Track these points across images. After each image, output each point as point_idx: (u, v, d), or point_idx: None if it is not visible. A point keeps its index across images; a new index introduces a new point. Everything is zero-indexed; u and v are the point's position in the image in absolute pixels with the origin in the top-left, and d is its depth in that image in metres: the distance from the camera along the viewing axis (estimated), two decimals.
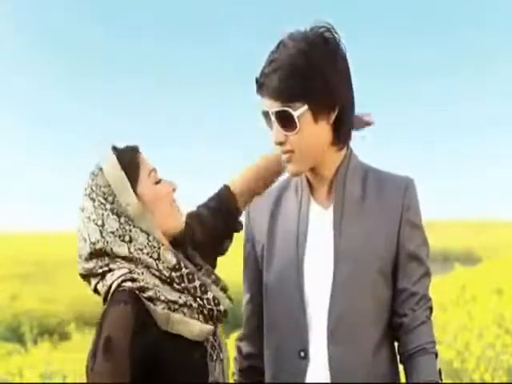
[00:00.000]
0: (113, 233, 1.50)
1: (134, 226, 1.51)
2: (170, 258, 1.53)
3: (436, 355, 1.70)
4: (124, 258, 1.51)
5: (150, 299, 1.48)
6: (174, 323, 1.49)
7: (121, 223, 1.50)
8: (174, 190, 1.63)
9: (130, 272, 1.50)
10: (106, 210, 1.51)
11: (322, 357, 1.66)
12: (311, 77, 1.58)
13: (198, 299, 1.52)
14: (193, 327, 1.50)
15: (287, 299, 1.70)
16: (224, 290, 1.62)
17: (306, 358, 1.67)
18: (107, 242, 1.50)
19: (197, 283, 1.54)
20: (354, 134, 1.77)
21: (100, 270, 1.52)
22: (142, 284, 1.48)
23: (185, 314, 1.50)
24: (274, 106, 1.61)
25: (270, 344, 1.75)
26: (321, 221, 1.71)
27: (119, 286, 1.48)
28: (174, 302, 1.49)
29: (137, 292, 1.47)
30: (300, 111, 1.59)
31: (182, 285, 1.52)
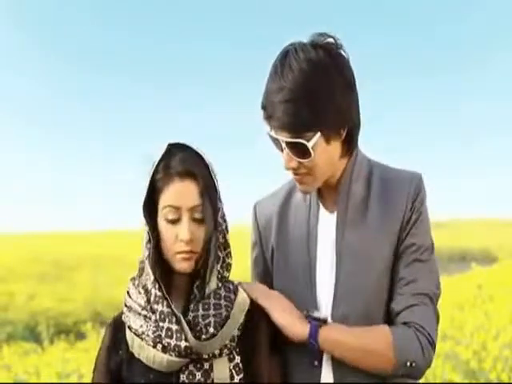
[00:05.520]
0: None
1: (145, 224, 1.53)
2: (150, 271, 1.53)
3: (416, 334, 1.58)
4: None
5: (125, 323, 1.57)
6: (135, 347, 1.53)
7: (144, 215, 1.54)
8: (181, 240, 1.51)
9: (128, 291, 1.60)
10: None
11: (330, 361, 1.65)
12: (321, 105, 1.51)
13: (158, 330, 1.50)
14: (149, 353, 1.51)
15: (301, 304, 1.67)
16: (196, 335, 1.50)
17: (320, 366, 1.65)
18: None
19: (165, 309, 1.50)
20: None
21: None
22: (124, 308, 1.59)
23: (142, 340, 1.52)
24: (284, 136, 1.54)
25: (283, 347, 1.71)
26: (329, 225, 1.70)
27: None
28: (136, 330, 1.53)
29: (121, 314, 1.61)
30: (313, 141, 1.53)
31: (154, 305, 1.52)
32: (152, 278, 1.51)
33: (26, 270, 17.63)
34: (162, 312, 1.50)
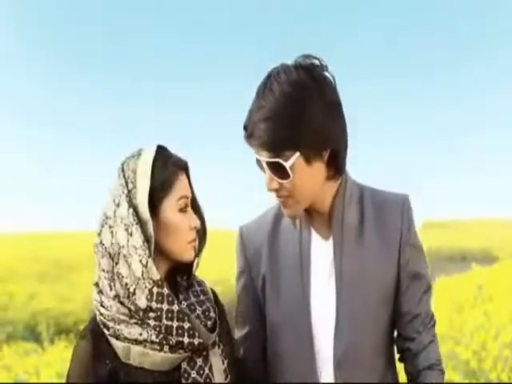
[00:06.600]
0: (122, 218, 1.48)
1: (136, 223, 1.47)
2: (155, 270, 1.48)
3: (443, 373, 1.71)
4: (118, 254, 1.48)
5: (111, 335, 1.50)
6: (134, 356, 1.49)
7: (128, 213, 1.48)
8: (194, 227, 1.57)
9: (101, 303, 1.52)
10: (123, 192, 1.50)
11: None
12: (300, 124, 1.51)
13: (163, 331, 1.47)
14: (155, 358, 1.48)
15: (296, 335, 1.68)
16: (206, 326, 1.54)
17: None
18: (116, 223, 1.49)
19: (175, 307, 1.49)
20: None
21: (99, 273, 1.53)
22: (104, 321, 1.51)
23: (145, 347, 1.48)
24: (264, 156, 1.55)
25: (278, 376, 1.73)
26: (323, 252, 1.69)
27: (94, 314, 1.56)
28: (135, 339, 1.48)
29: (101, 326, 1.52)
30: (292, 160, 1.53)
31: (158, 305, 1.48)
32: (157, 277, 1.48)
33: (26, 270, 17.59)
34: (169, 311, 1.49)
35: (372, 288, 1.65)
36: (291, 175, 1.54)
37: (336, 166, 1.62)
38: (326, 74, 1.59)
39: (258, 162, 1.59)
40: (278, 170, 1.55)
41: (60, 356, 7.49)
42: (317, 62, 1.58)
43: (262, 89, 1.55)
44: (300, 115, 1.51)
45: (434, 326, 1.73)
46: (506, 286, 9.34)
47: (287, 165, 1.53)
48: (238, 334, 1.82)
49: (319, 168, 1.59)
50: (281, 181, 1.56)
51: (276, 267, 1.73)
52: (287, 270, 1.71)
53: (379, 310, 1.67)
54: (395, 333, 1.76)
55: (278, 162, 1.53)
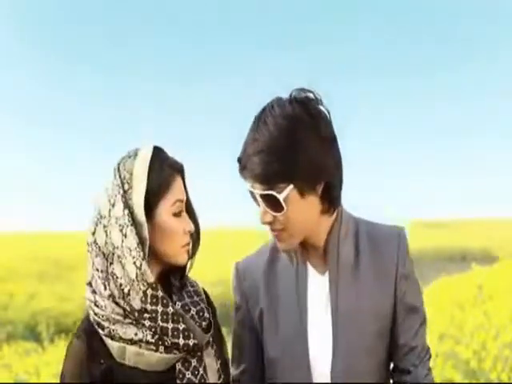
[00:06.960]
0: (117, 218, 1.48)
1: (131, 225, 1.47)
2: (149, 273, 1.48)
3: None
4: (112, 255, 1.48)
5: (106, 335, 1.50)
6: (129, 356, 1.49)
7: (124, 214, 1.47)
8: (189, 231, 1.57)
9: (95, 303, 1.50)
10: (118, 193, 1.49)
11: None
12: (294, 157, 1.51)
13: (158, 332, 1.48)
14: (151, 359, 1.48)
15: (294, 367, 1.67)
16: (201, 326, 1.56)
17: None
18: (110, 223, 1.48)
19: (169, 309, 1.50)
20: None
21: (92, 270, 1.52)
22: (98, 320, 1.50)
23: (140, 347, 1.48)
24: (258, 188, 1.55)
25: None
26: (319, 286, 1.69)
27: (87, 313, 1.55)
28: (130, 339, 1.48)
29: (95, 326, 1.51)
30: (285, 193, 1.53)
31: (153, 307, 1.48)
32: (151, 279, 1.48)
33: (25, 270, 17.61)
34: (164, 313, 1.49)
35: (368, 321, 1.66)
36: (285, 208, 1.54)
37: (330, 200, 1.62)
38: (321, 107, 1.59)
39: (252, 194, 1.59)
40: (272, 203, 1.55)
41: (60, 356, 7.47)
42: (311, 95, 1.59)
43: (257, 122, 1.55)
44: (294, 148, 1.51)
45: (429, 359, 1.73)
46: (506, 286, 9.34)
47: (281, 197, 1.53)
48: (234, 370, 1.80)
49: (313, 201, 1.59)
50: (274, 213, 1.56)
51: (274, 301, 1.72)
52: (285, 304, 1.70)
53: (375, 343, 1.67)
54: (391, 366, 1.76)
55: (272, 195, 1.53)
